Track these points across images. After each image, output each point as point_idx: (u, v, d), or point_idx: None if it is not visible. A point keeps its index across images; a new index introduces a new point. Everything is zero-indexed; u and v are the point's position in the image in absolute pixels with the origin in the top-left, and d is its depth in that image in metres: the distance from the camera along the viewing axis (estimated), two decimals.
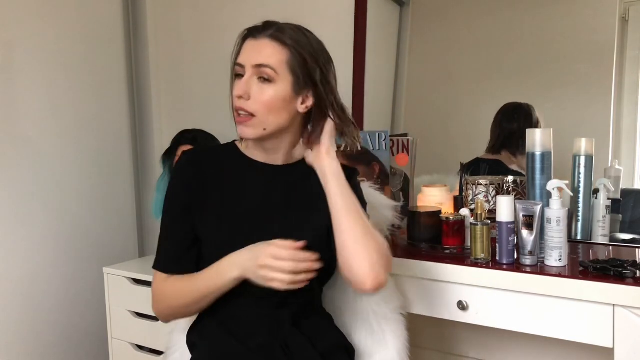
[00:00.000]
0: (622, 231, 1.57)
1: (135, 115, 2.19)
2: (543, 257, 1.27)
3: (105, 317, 1.91)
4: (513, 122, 1.77)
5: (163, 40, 2.18)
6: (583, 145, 1.48)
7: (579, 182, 1.48)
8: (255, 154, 1.18)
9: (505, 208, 1.27)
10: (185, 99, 2.24)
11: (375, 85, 2.06)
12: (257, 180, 1.17)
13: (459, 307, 1.31)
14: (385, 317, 1.28)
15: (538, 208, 1.25)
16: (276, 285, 1.01)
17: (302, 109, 1.11)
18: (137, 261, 2.03)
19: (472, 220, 1.32)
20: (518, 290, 1.24)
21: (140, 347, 1.86)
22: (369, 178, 1.57)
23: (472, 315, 1.31)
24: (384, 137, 1.61)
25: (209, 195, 1.14)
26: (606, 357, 1.19)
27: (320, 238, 1.13)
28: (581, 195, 1.48)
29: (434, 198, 1.54)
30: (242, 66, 1.09)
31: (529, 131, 1.38)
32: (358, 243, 1.08)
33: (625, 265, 1.16)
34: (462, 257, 1.34)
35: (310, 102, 1.11)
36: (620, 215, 1.58)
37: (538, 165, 1.35)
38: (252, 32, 1.10)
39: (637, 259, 1.30)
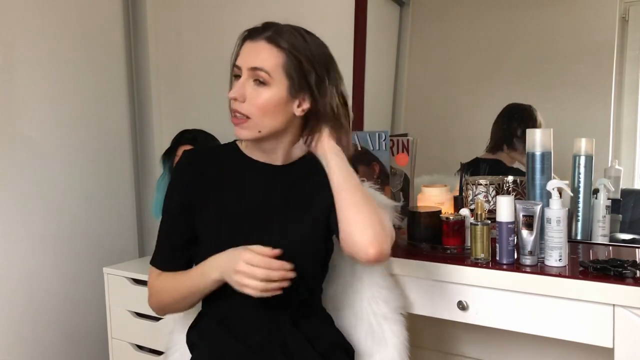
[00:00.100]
0: (622, 231, 1.57)
1: (135, 115, 2.19)
2: (543, 257, 1.27)
3: (105, 317, 1.91)
4: (514, 122, 1.77)
5: (163, 40, 2.18)
6: (583, 145, 1.48)
7: (579, 182, 1.48)
8: (255, 154, 1.18)
9: (505, 208, 1.27)
10: (185, 99, 2.24)
11: (375, 85, 2.06)
12: (257, 180, 1.17)
13: (459, 307, 1.31)
14: (385, 317, 1.28)
15: (538, 208, 1.25)
16: (248, 291, 1.01)
17: (298, 112, 1.11)
18: (137, 261, 2.03)
19: (472, 220, 1.32)
20: (518, 290, 1.24)
21: (140, 347, 1.86)
22: (369, 178, 1.57)
23: (472, 315, 1.31)
24: (384, 137, 1.61)
25: (209, 195, 1.14)
26: (606, 357, 1.19)
27: (318, 233, 1.15)
28: (581, 195, 1.48)
29: (434, 198, 1.54)
30: (239, 68, 1.10)
31: (529, 131, 1.38)
32: (360, 212, 1.07)
33: (625, 265, 1.16)
34: (462, 257, 1.34)
35: (306, 105, 1.11)
36: (620, 215, 1.58)
37: (538, 165, 1.35)
38: (251, 34, 1.10)
39: (637, 259, 1.30)
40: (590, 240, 1.50)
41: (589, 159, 1.48)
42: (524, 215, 1.26)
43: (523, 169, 1.65)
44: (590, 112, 1.74)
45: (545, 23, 1.81)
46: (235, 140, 1.22)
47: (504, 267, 1.26)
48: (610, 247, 1.47)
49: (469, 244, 1.34)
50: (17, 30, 1.81)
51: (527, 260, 1.26)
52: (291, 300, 1.13)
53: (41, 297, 1.89)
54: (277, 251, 1.02)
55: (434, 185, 1.56)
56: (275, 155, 1.17)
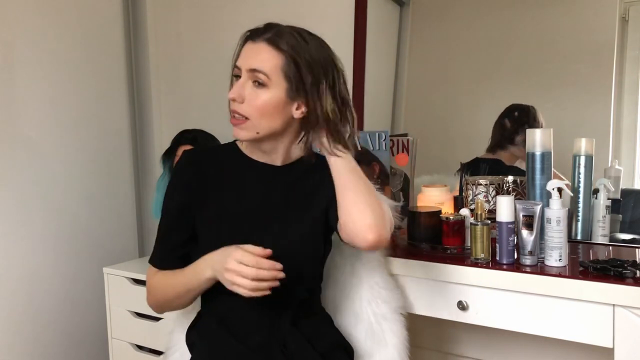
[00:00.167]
0: (622, 231, 1.57)
1: (135, 115, 2.19)
2: (543, 257, 1.27)
3: (105, 317, 1.91)
4: (515, 122, 1.77)
5: (163, 40, 2.18)
6: (583, 145, 1.48)
7: (579, 182, 1.48)
8: (255, 154, 1.18)
9: (505, 208, 1.27)
10: (185, 99, 2.24)
11: (375, 85, 2.06)
12: (257, 181, 1.17)
13: (459, 307, 1.31)
14: (385, 317, 1.28)
15: (538, 208, 1.25)
16: (238, 290, 1.00)
17: (297, 114, 1.11)
18: (137, 261, 2.02)
19: (472, 220, 1.32)
20: (518, 290, 1.24)
21: (140, 347, 1.86)
22: (369, 178, 1.56)
23: (472, 315, 1.31)
24: (384, 137, 1.61)
25: (208, 195, 1.14)
26: (606, 357, 1.19)
27: (317, 233, 1.15)
28: (581, 195, 1.48)
29: (434, 198, 1.54)
30: (239, 68, 1.10)
31: (529, 131, 1.38)
32: (360, 198, 1.07)
33: (625, 265, 1.16)
34: (462, 257, 1.34)
35: (304, 108, 1.11)
36: (620, 215, 1.58)
37: (538, 165, 1.35)
38: (252, 35, 1.10)
39: (637, 259, 1.30)
40: (590, 240, 1.50)
41: (589, 159, 1.48)
42: (524, 215, 1.26)
43: (523, 167, 1.65)
44: (590, 112, 1.74)
45: (545, 23, 1.81)
46: (235, 141, 1.22)
47: (504, 267, 1.26)
48: (610, 247, 1.47)
49: (469, 244, 1.34)
50: (17, 30, 1.81)
51: (527, 260, 1.26)
52: (291, 300, 1.14)
53: (41, 297, 1.89)
54: (268, 251, 1.02)
55: (434, 185, 1.56)
56: (275, 156, 1.17)
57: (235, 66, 1.11)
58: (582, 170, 1.48)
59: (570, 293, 1.17)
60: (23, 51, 1.83)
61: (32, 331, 1.87)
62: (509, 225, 1.27)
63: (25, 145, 1.84)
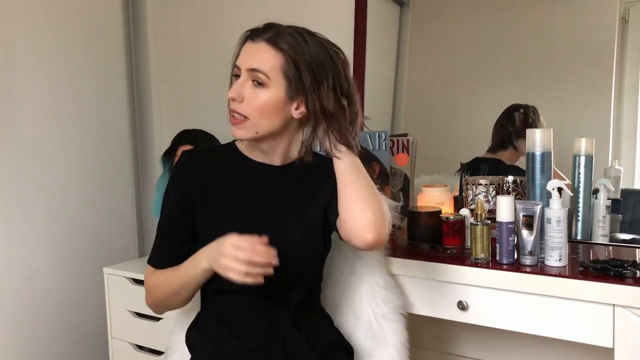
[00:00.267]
0: (622, 231, 1.57)
1: (135, 115, 2.19)
2: (543, 257, 1.27)
3: (105, 317, 1.91)
4: (516, 122, 1.77)
5: (163, 40, 2.18)
6: (583, 145, 1.48)
7: (579, 182, 1.48)
8: (254, 154, 1.18)
9: (505, 208, 1.27)
10: (185, 99, 2.24)
11: (375, 85, 2.06)
12: (256, 181, 1.17)
13: (459, 307, 1.31)
14: (385, 317, 1.28)
15: (538, 208, 1.25)
16: (232, 275, 1.00)
17: (296, 114, 1.11)
18: (137, 261, 2.02)
19: (472, 220, 1.32)
20: (518, 290, 1.24)
21: (140, 347, 1.86)
22: None
23: (472, 315, 1.31)
24: (384, 137, 1.61)
25: (208, 195, 1.14)
26: (606, 357, 1.19)
27: (317, 233, 1.15)
28: (581, 195, 1.48)
29: (434, 198, 1.54)
30: (239, 68, 1.10)
31: (529, 131, 1.38)
32: (361, 197, 1.07)
33: (625, 265, 1.16)
34: (462, 257, 1.34)
35: (304, 108, 1.10)
36: (620, 215, 1.58)
37: (538, 165, 1.35)
38: (252, 35, 1.10)
39: (637, 259, 1.30)
40: (590, 240, 1.50)
41: (589, 159, 1.48)
42: (524, 215, 1.26)
43: (523, 166, 1.65)
44: (590, 112, 1.74)
45: (545, 23, 1.81)
46: (234, 141, 1.22)
47: (504, 267, 1.26)
48: (610, 247, 1.47)
49: (469, 244, 1.34)
50: (17, 30, 1.81)
51: (527, 260, 1.26)
52: (291, 300, 1.14)
53: (41, 297, 1.89)
54: (264, 238, 1.02)
55: (434, 185, 1.56)
56: (274, 156, 1.17)
57: (234, 66, 1.12)
58: (582, 170, 1.48)
59: (570, 293, 1.17)
60: (23, 51, 1.83)
61: (32, 331, 1.87)
62: (509, 225, 1.27)
63: (25, 145, 1.84)
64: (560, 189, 1.26)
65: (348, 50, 2.00)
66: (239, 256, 1.00)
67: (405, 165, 1.68)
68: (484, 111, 1.85)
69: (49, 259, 1.92)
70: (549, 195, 1.26)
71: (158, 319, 1.76)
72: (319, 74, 1.08)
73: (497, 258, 1.29)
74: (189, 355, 1.19)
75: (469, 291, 1.30)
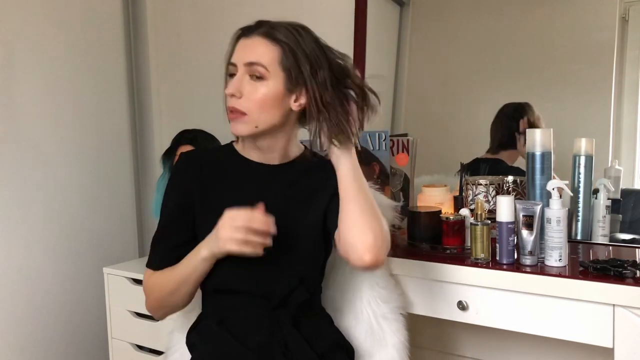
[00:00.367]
0: (622, 231, 1.57)
1: (135, 115, 2.19)
2: (543, 257, 1.27)
3: (105, 317, 1.91)
4: (513, 120, 1.77)
5: (163, 40, 2.17)
6: (583, 145, 1.48)
7: (579, 182, 1.48)
8: (252, 154, 1.18)
9: (505, 208, 1.27)
10: (185, 99, 2.24)
11: (375, 85, 2.06)
12: (255, 181, 1.17)
13: (459, 307, 1.31)
14: (385, 317, 1.28)
15: (538, 208, 1.25)
16: (231, 246, 1.01)
17: (295, 106, 1.11)
18: (137, 261, 2.02)
19: (472, 220, 1.32)
20: (518, 290, 1.24)
21: (140, 347, 1.85)
22: (369, 178, 1.57)
23: (472, 315, 1.31)
24: (384, 137, 1.61)
25: (208, 196, 1.14)
26: (606, 357, 1.19)
27: (317, 233, 1.15)
28: (581, 195, 1.48)
29: (434, 198, 1.54)
30: (234, 65, 1.10)
31: (529, 131, 1.38)
32: (363, 217, 1.07)
33: (625, 265, 1.16)
34: (462, 257, 1.34)
35: (303, 100, 1.10)
36: (620, 215, 1.58)
37: (538, 165, 1.35)
38: (245, 32, 1.10)
39: (637, 259, 1.30)
40: (590, 240, 1.50)
41: (589, 159, 1.48)
42: (524, 215, 1.26)
43: (524, 167, 1.66)
44: (590, 112, 1.74)
45: (545, 23, 1.81)
46: (232, 142, 1.22)
47: (504, 267, 1.26)
48: (610, 247, 1.47)
49: (469, 244, 1.34)
50: (17, 30, 1.81)
51: (527, 260, 1.26)
52: (291, 300, 1.13)
53: (41, 297, 1.89)
54: (260, 206, 1.03)
55: (434, 185, 1.56)
56: (272, 155, 1.17)
57: (229, 64, 1.11)
58: (582, 170, 1.48)
59: (570, 293, 1.17)
60: (23, 51, 1.83)
61: (32, 331, 1.87)
62: (509, 225, 1.27)
63: (25, 145, 1.84)
64: (560, 189, 1.26)
65: (348, 51, 2.00)
66: (236, 223, 1.00)
67: (405, 165, 1.68)
68: (484, 111, 1.85)
69: (49, 259, 1.91)
70: (549, 195, 1.26)
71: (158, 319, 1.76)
72: (316, 64, 1.08)
73: (497, 258, 1.29)
74: (189, 356, 1.19)
75: (469, 291, 1.30)
